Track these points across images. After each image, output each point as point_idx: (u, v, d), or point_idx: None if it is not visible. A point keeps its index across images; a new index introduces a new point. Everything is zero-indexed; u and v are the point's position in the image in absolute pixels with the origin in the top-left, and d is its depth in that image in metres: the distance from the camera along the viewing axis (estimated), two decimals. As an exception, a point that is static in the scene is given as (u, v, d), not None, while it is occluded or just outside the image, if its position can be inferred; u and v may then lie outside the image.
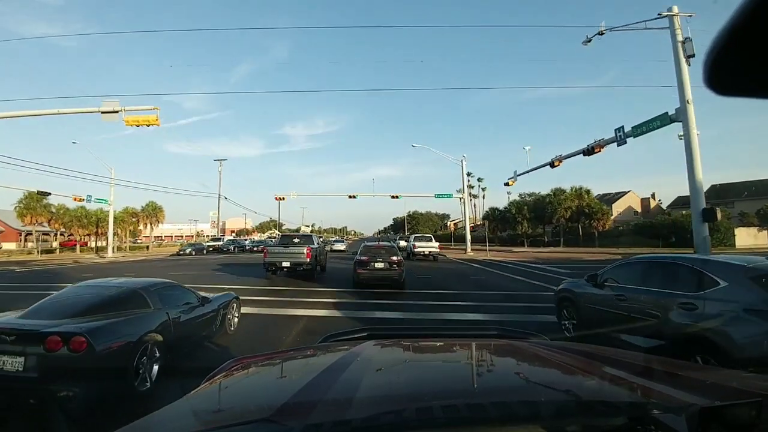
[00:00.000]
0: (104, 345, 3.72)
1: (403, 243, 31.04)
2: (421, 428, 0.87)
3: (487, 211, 51.54)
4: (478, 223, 77.69)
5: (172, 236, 79.75)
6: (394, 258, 11.82)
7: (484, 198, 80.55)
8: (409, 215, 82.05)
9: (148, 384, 4.12)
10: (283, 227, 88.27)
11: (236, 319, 6.79)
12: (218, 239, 44.71)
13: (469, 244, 32.74)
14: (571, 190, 42.99)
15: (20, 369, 3.45)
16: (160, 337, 4.42)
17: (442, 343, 1.93)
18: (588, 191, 42.74)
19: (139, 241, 74.61)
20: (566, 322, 6.13)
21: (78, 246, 42.73)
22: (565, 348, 1.68)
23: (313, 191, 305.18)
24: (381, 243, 14.39)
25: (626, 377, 1.23)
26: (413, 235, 31.03)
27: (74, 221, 41.29)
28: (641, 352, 2.01)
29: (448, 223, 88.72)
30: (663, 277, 4.52)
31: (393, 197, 31.28)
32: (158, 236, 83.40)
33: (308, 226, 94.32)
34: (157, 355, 4.34)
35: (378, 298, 10.05)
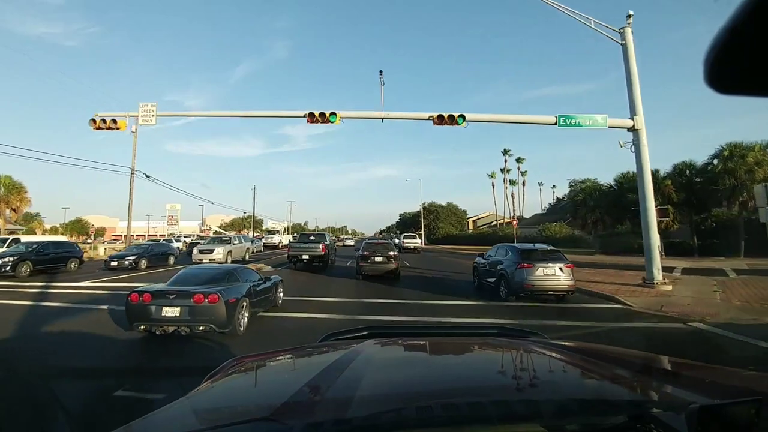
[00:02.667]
0: (226, 300, 6.30)
1: (397, 241, 38.37)
2: (421, 427, 0.88)
3: (574, 189, 30.35)
4: (515, 218, 55.40)
5: (145, 235, 69.26)
6: (391, 253, 14.69)
7: (524, 185, 57.99)
8: (425, 208, 60.17)
9: (242, 329, 6.73)
10: (269, 224, 67.84)
11: (281, 295, 9.60)
12: (3, 240, 20.56)
13: (657, 259, 10.51)
14: (757, 150, 21.10)
15: (177, 314, 6.09)
16: (247, 300, 7.12)
17: (442, 342, 1.98)
18: (783, 153, 21.87)
19: (90, 240, 56.32)
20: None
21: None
22: (565, 347, 1.67)
23: (312, 190, 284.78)
24: (380, 241, 17.16)
25: (626, 376, 1.27)
26: (402, 234, 44.48)
27: None
28: (641, 351, 1.93)
29: (467, 220, 66.27)
30: (502, 252, 11.28)
31: (444, 121, 9.33)
32: (136, 236, 63.04)
33: (280, 222, 70.97)
34: (247, 310, 7.02)
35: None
